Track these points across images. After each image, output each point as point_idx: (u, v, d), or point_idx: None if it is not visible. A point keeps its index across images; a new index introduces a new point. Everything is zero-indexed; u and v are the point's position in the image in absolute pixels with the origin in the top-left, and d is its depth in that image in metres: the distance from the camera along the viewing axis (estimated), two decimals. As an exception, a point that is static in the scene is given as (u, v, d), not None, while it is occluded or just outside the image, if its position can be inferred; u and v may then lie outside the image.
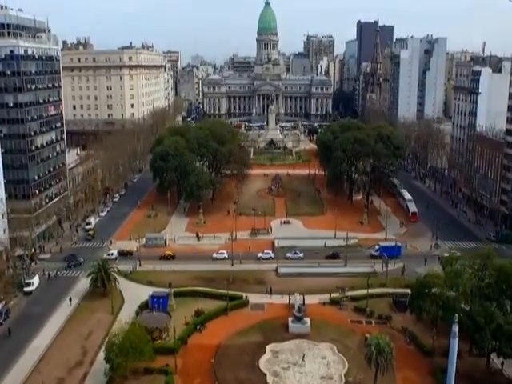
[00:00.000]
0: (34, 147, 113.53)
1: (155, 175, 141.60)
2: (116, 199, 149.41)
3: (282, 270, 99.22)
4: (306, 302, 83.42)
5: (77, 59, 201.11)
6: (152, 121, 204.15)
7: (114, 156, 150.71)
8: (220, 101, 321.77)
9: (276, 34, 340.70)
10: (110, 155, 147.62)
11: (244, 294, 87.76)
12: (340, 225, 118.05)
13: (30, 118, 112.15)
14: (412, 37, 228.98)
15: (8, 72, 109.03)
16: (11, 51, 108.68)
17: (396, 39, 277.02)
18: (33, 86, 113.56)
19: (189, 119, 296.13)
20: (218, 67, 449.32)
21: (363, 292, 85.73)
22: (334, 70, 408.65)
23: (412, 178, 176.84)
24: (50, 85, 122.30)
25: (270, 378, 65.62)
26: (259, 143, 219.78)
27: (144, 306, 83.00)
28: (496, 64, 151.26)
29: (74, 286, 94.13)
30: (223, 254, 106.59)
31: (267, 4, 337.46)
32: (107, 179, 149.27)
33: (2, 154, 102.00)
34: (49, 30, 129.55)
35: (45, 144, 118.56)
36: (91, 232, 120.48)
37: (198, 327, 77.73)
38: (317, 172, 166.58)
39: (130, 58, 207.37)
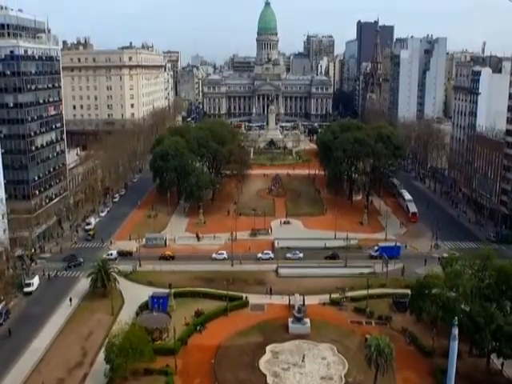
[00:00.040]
0: (33, 147, 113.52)
1: (155, 175, 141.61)
2: (116, 199, 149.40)
3: (281, 271, 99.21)
4: (305, 303, 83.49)
5: (77, 59, 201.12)
6: (152, 121, 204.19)
7: (114, 156, 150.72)
8: (220, 101, 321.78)
9: (276, 34, 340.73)
10: (110, 155, 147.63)
11: (244, 295, 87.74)
12: (340, 225, 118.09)
13: (30, 119, 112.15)
14: (412, 37, 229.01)
15: (8, 72, 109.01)
16: (11, 51, 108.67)
17: (396, 39, 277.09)
18: (33, 87, 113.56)
19: (189, 119, 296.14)
20: (218, 67, 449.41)
21: (363, 292, 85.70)
22: (334, 70, 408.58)
23: (412, 178, 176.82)
24: (50, 85, 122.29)
25: (270, 379, 65.62)
26: (259, 143, 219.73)
27: (144, 307, 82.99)
28: (496, 64, 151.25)
29: (74, 286, 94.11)
30: (223, 254, 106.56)
31: (267, 4, 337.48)
32: (107, 179, 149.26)
33: (2, 154, 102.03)
34: (49, 31, 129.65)
35: (45, 144, 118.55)
36: (91, 232, 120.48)
37: (198, 328, 77.73)
38: (317, 172, 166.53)
39: (130, 58, 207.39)
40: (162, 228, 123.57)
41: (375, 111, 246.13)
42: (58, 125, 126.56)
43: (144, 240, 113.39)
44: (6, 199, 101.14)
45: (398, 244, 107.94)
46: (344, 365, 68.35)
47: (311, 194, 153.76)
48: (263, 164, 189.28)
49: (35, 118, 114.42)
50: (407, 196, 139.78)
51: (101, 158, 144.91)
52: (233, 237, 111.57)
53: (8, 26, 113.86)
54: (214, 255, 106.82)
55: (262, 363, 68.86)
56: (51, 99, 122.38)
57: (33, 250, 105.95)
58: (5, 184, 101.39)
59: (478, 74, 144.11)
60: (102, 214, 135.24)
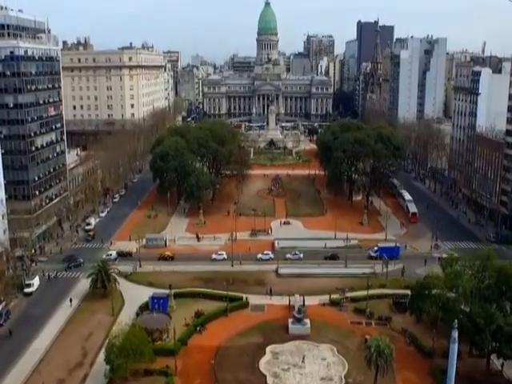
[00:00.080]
0: (34, 148, 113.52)
1: (155, 175, 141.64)
2: (116, 200, 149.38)
3: (282, 271, 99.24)
4: (305, 303, 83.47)
5: (77, 59, 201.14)
6: (152, 121, 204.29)
7: (114, 156, 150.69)
8: (220, 101, 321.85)
9: (276, 34, 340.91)
10: (110, 155, 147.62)
11: (244, 295, 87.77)
12: (340, 225, 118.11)
13: (30, 119, 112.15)
14: (412, 37, 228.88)
15: (8, 73, 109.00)
16: (11, 52, 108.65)
17: (396, 39, 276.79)
18: (33, 87, 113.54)
19: (189, 119, 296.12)
20: (218, 67, 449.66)
21: (363, 293, 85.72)
22: (334, 70, 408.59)
23: (412, 179, 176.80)
24: (50, 85, 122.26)
25: (270, 380, 65.64)
26: (259, 143, 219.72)
27: (144, 307, 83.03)
28: (496, 64, 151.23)
29: (74, 286, 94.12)
30: (222, 254, 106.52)
31: (267, 4, 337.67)
32: (107, 180, 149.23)
33: (2, 154, 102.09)
34: (49, 31, 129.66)
35: (45, 145, 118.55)
36: (91, 233, 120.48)
37: (198, 328, 77.74)
38: (317, 172, 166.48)
39: (130, 59, 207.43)
40: (162, 228, 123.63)
41: (375, 111, 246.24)
42: (58, 125, 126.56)
43: (144, 240, 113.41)
44: (6, 200, 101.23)
45: (398, 244, 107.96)
46: (344, 365, 68.36)
47: (311, 195, 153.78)
48: (263, 164, 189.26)
49: (35, 118, 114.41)
50: (407, 196, 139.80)
51: (101, 158, 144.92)
52: (233, 237, 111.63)
53: (8, 26, 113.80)
54: (213, 256, 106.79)
55: (262, 364, 68.87)
56: (51, 99, 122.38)
57: (33, 251, 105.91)
58: (5, 184, 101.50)
59: (478, 74, 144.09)
60: (102, 215, 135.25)
